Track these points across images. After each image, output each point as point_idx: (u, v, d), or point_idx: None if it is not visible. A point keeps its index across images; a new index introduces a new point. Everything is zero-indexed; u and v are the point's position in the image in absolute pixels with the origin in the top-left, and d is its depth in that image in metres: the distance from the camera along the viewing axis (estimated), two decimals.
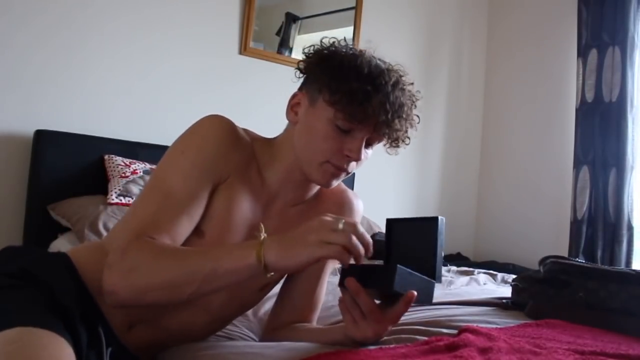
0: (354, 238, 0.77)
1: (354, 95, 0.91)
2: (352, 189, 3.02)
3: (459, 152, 3.70)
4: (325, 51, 0.98)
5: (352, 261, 0.79)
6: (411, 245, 0.88)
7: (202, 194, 0.94)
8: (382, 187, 3.31)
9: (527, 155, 3.52)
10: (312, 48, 1.00)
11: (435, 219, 0.84)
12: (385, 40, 3.40)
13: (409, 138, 0.98)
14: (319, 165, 0.96)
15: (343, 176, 0.99)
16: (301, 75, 1.02)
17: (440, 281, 0.84)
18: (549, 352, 0.86)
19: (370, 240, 0.79)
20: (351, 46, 0.99)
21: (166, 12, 2.55)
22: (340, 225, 0.77)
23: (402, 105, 0.94)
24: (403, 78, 0.96)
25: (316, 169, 0.97)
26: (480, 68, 3.81)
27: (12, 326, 0.77)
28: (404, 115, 0.94)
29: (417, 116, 0.99)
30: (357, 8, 3.13)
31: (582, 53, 3.11)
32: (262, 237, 0.81)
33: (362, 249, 0.78)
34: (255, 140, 1.04)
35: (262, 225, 0.85)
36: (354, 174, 3.02)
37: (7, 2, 2.18)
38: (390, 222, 0.90)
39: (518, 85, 3.63)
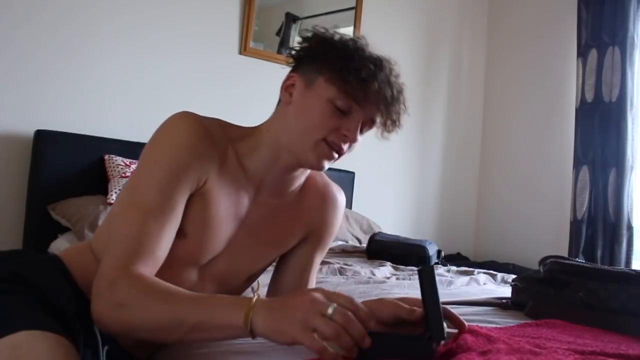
0: (339, 329, 0.70)
1: (358, 73, 0.92)
2: (352, 189, 3.03)
3: (459, 152, 3.70)
4: (325, 34, 0.99)
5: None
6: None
7: (181, 202, 0.93)
8: (382, 187, 3.31)
9: (527, 155, 3.52)
10: (309, 32, 1.00)
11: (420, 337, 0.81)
12: (385, 40, 3.39)
13: (401, 124, 1.00)
14: (314, 145, 0.95)
15: (334, 160, 0.98)
16: (292, 62, 1.02)
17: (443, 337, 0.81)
18: (549, 352, 0.86)
19: (363, 331, 0.71)
20: (347, 35, 1.00)
21: (166, 12, 2.55)
22: (330, 311, 0.71)
23: (400, 89, 0.96)
24: (395, 67, 0.99)
25: (311, 148, 0.95)
26: (480, 68, 3.81)
27: (15, 331, 0.77)
28: (401, 99, 0.96)
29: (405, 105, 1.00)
30: (357, 8, 3.13)
31: (582, 53, 3.11)
32: (255, 297, 0.77)
33: (350, 342, 0.70)
34: (230, 130, 1.02)
35: (258, 283, 0.84)
36: (353, 174, 3.02)
37: (7, 1, 2.18)
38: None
39: (518, 85, 3.64)
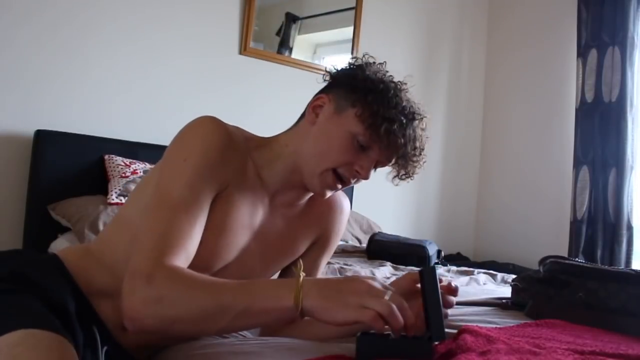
0: (395, 309, 0.74)
1: (390, 123, 0.94)
2: (352, 189, 3.03)
3: (459, 152, 3.70)
4: (370, 70, 1.00)
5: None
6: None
7: (207, 201, 0.93)
8: (382, 187, 3.30)
9: (527, 155, 3.52)
10: (357, 60, 1.03)
11: (422, 340, 0.81)
12: (385, 40, 3.42)
13: (414, 176, 1.04)
14: (323, 172, 0.98)
15: (337, 189, 1.02)
16: (327, 78, 1.04)
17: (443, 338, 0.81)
18: (549, 352, 0.86)
19: (413, 320, 0.76)
20: (390, 76, 1.02)
21: (166, 12, 2.55)
22: (387, 297, 0.75)
23: (423, 147, 1.01)
24: (426, 118, 1.02)
25: (318, 175, 0.98)
26: (480, 68, 3.81)
27: (14, 329, 0.77)
28: (421, 156, 1.01)
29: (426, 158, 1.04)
30: (357, 8, 3.13)
31: (582, 53, 3.11)
32: (301, 278, 0.78)
33: (402, 320, 0.75)
34: (249, 140, 1.03)
35: (300, 263, 0.84)
36: None
37: (7, 1, 2.18)
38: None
39: (518, 85, 3.64)
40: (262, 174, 1.02)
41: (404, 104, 0.97)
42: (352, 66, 1.02)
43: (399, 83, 1.00)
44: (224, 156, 0.94)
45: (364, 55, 1.03)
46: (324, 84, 1.06)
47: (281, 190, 1.04)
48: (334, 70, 1.03)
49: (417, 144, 0.98)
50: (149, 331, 0.85)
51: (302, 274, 0.80)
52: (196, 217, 0.90)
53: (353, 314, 0.74)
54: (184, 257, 0.87)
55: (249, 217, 1.00)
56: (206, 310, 0.79)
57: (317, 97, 1.02)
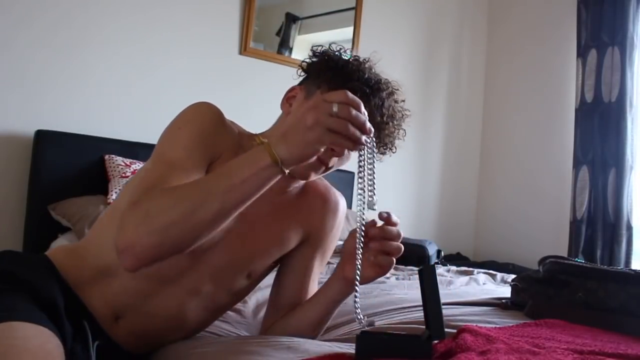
0: (345, 123, 0.77)
1: (354, 94, 0.92)
2: (352, 188, 3.03)
3: (459, 152, 3.70)
4: (332, 52, 1.03)
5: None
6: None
7: (203, 165, 0.95)
8: (382, 187, 3.29)
9: (527, 155, 3.52)
10: (319, 48, 1.05)
11: (419, 339, 0.81)
12: (385, 41, 3.42)
13: (395, 147, 1.03)
14: None
15: (322, 171, 1.01)
16: (302, 73, 1.06)
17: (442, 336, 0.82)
18: (548, 351, 0.86)
19: (364, 119, 0.79)
20: (356, 55, 1.03)
21: (166, 13, 2.55)
22: (335, 109, 0.77)
23: (395, 113, 0.99)
24: (398, 91, 1.02)
25: None
26: (480, 68, 3.81)
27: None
28: (395, 122, 0.99)
29: (404, 130, 1.03)
30: (357, 8, 3.13)
31: (582, 53, 3.11)
32: (265, 140, 0.82)
33: (356, 132, 0.78)
34: (241, 133, 1.06)
35: (258, 135, 0.88)
36: (353, 174, 3.02)
37: (7, 2, 2.18)
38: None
39: (518, 86, 3.64)
40: None
41: (366, 75, 0.98)
42: (317, 54, 1.05)
43: (364, 59, 1.02)
44: (218, 129, 0.99)
45: (330, 44, 1.05)
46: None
47: None
48: (305, 64, 1.06)
49: (386, 112, 0.98)
50: (145, 256, 0.82)
51: (264, 140, 0.84)
52: (191, 175, 0.91)
53: (320, 136, 0.77)
54: None
55: None
56: (192, 202, 0.80)
57: (290, 89, 1.06)
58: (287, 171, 0.81)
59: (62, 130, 2.23)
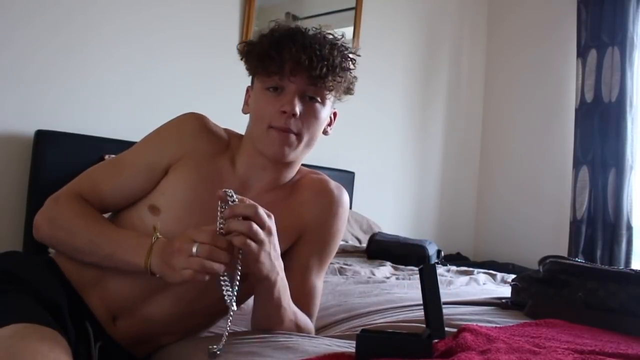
0: (204, 262, 0.82)
1: (265, 53, 0.97)
2: (352, 188, 3.03)
3: (459, 152, 3.70)
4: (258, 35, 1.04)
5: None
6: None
7: (147, 167, 1.03)
8: (381, 187, 3.31)
9: (527, 155, 3.52)
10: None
11: (421, 337, 0.81)
12: (385, 41, 3.42)
13: (348, 88, 1.02)
14: (265, 134, 0.99)
15: (294, 140, 0.99)
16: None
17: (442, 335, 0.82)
18: (548, 351, 0.86)
19: (224, 255, 0.83)
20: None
21: (166, 13, 2.55)
22: (194, 250, 0.82)
23: (324, 54, 0.95)
24: (330, 36, 1.00)
25: (264, 138, 1.00)
26: (480, 68, 3.81)
27: (5, 324, 0.79)
28: (327, 63, 0.95)
29: (350, 70, 1.01)
30: (357, 8, 3.13)
31: (582, 53, 3.12)
32: (155, 239, 0.89)
33: (213, 267, 0.83)
34: (233, 136, 1.11)
35: (158, 225, 0.91)
36: (353, 174, 3.02)
37: (7, 2, 2.18)
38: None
39: (518, 86, 3.64)
40: (236, 163, 1.07)
41: (278, 34, 0.98)
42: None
43: (282, 21, 1.03)
44: (186, 135, 1.04)
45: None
46: None
47: (253, 177, 1.05)
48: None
49: (314, 52, 0.94)
50: (46, 243, 1.04)
51: (157, 235, 0.90)
52: (129, 174, 1.03)
53: (178, 276, 0.85)
54: (97, 201, 1.03)
55: (208, 196, 0.96)
56: (80, 243, 0.97)
57: (245, 92, 1.13)
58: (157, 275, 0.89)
59: (62, 130, 2.23)
